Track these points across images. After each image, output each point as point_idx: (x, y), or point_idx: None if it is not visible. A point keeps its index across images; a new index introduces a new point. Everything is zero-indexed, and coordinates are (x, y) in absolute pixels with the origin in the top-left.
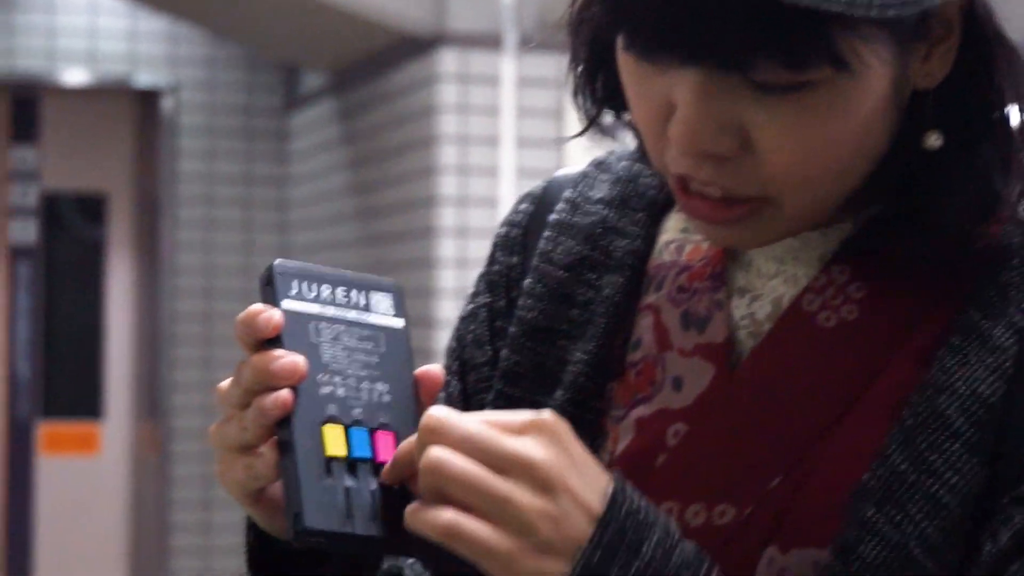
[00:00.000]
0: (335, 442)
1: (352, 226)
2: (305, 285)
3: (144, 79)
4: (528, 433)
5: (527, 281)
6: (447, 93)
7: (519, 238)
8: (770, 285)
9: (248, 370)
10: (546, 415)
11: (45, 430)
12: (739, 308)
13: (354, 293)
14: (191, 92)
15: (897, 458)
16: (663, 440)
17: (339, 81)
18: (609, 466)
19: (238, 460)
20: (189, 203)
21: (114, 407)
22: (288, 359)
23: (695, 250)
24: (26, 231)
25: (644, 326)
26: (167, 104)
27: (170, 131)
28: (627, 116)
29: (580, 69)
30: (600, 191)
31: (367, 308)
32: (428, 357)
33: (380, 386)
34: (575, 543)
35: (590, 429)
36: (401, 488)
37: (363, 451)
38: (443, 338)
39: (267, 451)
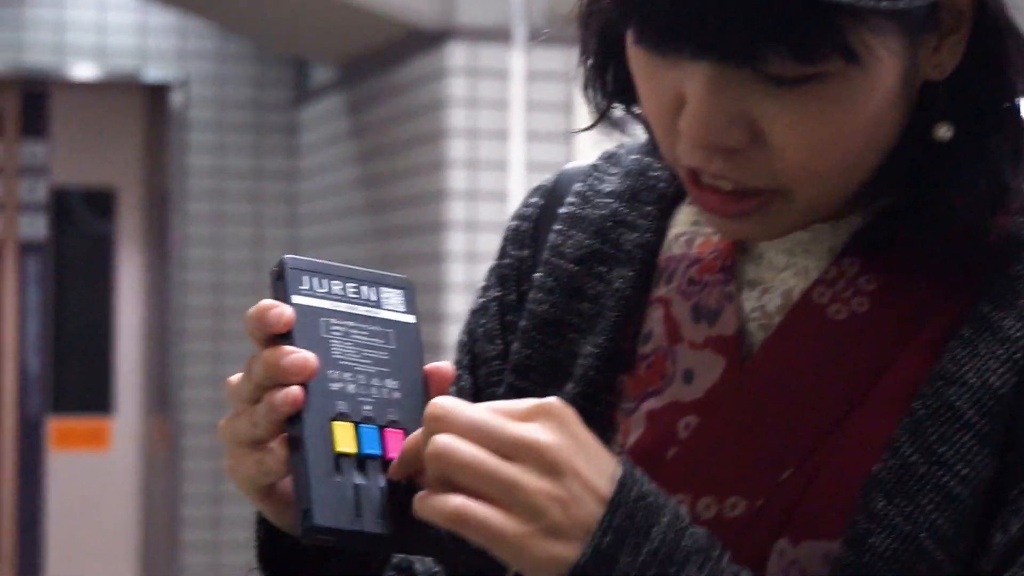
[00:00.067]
0: (345, 439)
1: (361, 220)
2: (316, 280)
3: (153, 73)
4: (534, 418)
5: (537, 274)
6: (456, 87)
7: (529, 231)
8: (780, 278)
9: (259, 365)
10: (552, 400)
11: (55, 426)
12: (749, 301)
13: (365, 289)
14: (200, 86)
15: (908, 450)
16: (674, 433)
17: (348, 75)
18: None
19: (248, 455)
20: (198, 197)
21: (124, 402)
22: (299, 355)
23: (705, 243)
24: (35, 226)
25: (654, 319)
26: (176, 98)
27: (179, 125)
28: (637, 109)
29: (590, 62)
30: (610, 184)
31: (377, 304)
32: (437, 351)
33: (390, 382)
34: (584, 527)
35: (600, 422)
36: (410, 485)
37: (373, 448)
38: (452, 332)
39: (277, 447)
